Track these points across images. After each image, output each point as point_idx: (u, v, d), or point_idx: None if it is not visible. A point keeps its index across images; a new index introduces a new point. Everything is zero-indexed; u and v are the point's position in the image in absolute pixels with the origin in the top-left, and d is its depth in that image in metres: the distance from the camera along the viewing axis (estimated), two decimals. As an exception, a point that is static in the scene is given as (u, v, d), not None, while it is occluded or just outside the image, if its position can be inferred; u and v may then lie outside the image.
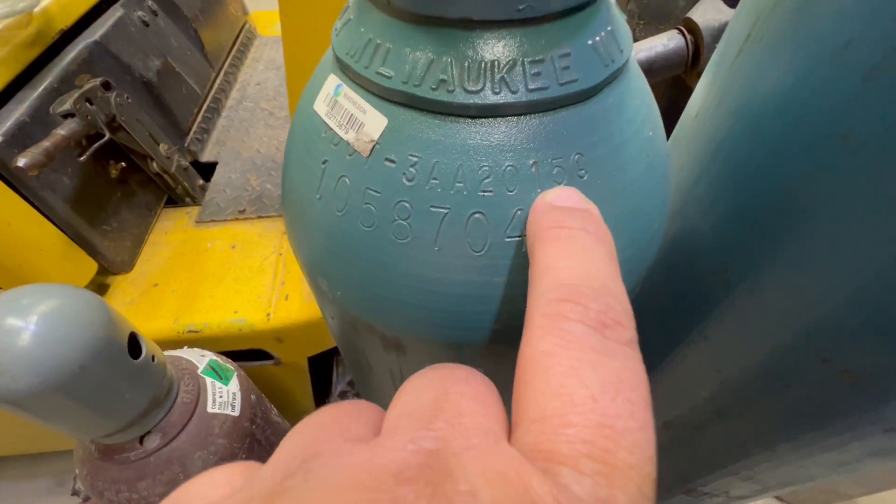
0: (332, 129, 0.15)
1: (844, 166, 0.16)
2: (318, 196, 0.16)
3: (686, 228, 0.25)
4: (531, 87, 0.13)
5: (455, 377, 0.11)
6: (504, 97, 0.13)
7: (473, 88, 0.13)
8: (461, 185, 0.14)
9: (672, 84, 0.60)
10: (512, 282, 0.15)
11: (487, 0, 0.12)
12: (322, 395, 0.85)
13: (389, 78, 0.14)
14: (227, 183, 0.79)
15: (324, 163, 0.16)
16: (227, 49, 1.05)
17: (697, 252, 0.24)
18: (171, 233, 0.73)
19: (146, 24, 0.77)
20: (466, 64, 0.13)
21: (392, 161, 0.14)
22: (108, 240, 0.63)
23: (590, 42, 0.14)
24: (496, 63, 0.13)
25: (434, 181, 0.14)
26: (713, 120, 0.23)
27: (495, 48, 0.13)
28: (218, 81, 0.96)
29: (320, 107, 0.16)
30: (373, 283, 0.16)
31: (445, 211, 0.14)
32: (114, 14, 0.71)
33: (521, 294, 0.15)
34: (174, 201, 0.78)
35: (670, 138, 0.30)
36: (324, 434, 0.10)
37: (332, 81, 0.16)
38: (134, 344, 0.38)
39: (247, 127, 0.90)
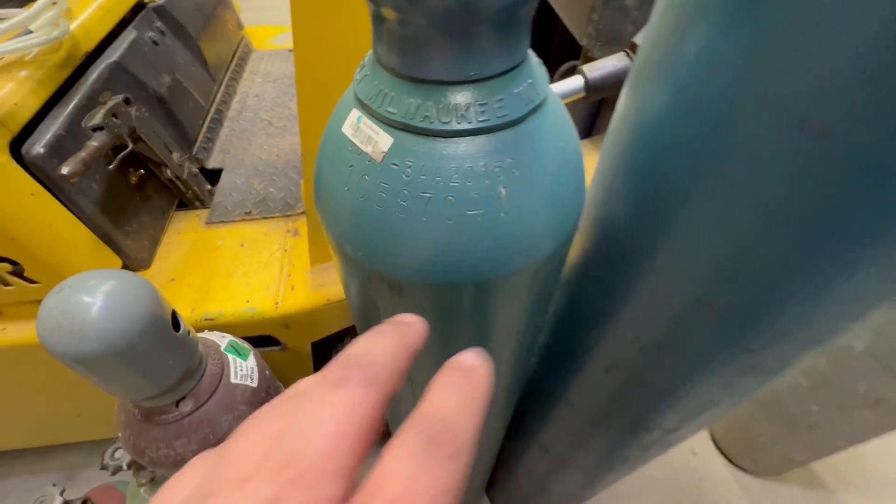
0: (356, 144, 0.24)
1: (685, 169, 0.25)
2: (346, 188, 0.24)
3: (609, 212, 0.34)
4: (480, 119, 0.22)
5: (305, 421, 0.12)
6: (463, 126, 0.22)
7: (445, 120, 0.22)
8: (439, 179, 0.22)
9: (623, 97, 0.69)
10: (471, 240, 0.23)
11: (451, 69, 0.21)
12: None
13: (394, 114, 0.22)
14: (233, 187, 0.87)
15: (350, 166, 0.24)
16: (227, 63, 1.12)
17: (617, 228, 0.33)
18: (184, 233, 0.80)
19: (156, 44, 0.85)
20: (440, 106, 0.21)
21: (396, 164, 0.23)
22: (129, 239, 0.70)
23: (516, 91, 0.22)
24: (458, 105, 0.21)
25: (422, 177, 0.22)
26: (622, 132, 0.32)
27: (457, 97, 0.21)
28: (220, 94, 1.04)
29: (347, 130, 0.24)
30: (383, 245, 0.24)
31: (430, 195, 0.22)
32: (128, 36, 0.78)
33: (479, 248, 0.24)
34: (185, 205, 0.85)
35: (605, 140, 0.39)
36: (217, 477, 0.12)
37: (355, 114, 0.24)
38: (175, 320, 0.46)
39: (248, 136, 0.98)
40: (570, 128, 0.27)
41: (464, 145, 0.22)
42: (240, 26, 1.28)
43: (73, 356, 0.39)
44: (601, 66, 0.60)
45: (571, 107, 0.81)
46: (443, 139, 0.22)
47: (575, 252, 0.41)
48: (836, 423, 0.90)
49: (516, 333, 0.34)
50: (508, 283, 0.26)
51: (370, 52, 0.25)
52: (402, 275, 0.25)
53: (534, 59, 0.25)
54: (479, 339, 0.32)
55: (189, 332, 0.49)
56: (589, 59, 0.72)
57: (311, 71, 0.48)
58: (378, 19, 0.21)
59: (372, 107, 0.23)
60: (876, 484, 1.20)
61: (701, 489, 1.20)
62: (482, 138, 0.22)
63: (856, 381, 0.82)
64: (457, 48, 0.20)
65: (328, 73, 0.48)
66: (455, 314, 0.28)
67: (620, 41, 0.66)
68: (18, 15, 0.59)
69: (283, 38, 1.35)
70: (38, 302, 0.68)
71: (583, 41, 0.71)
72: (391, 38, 0.21)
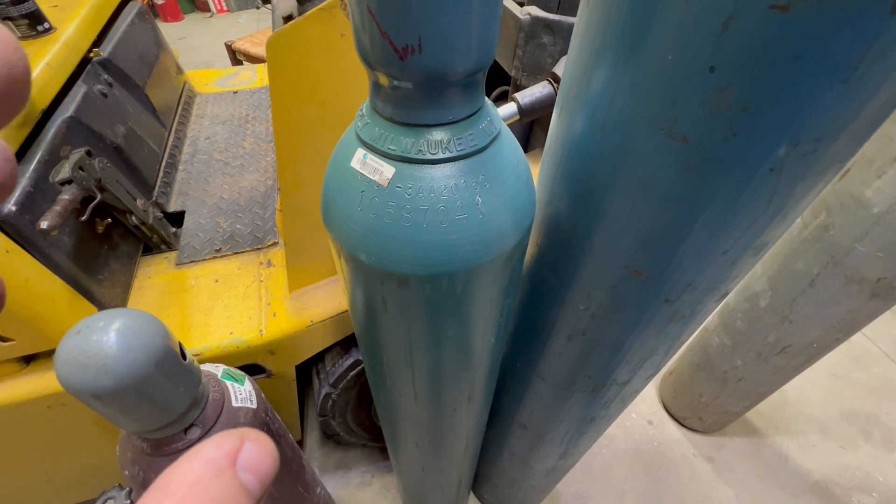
0: (365, 175, 0.31)
1: (604, 173, 0.35)
2: (359, 209, 0.32)
3: (553, 210, 0.44)
4: (458, 149, 0.30)
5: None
6: (447, 155, 0.30)
7: (433, 152, 0.30)
8: (433, 194, 0.30)
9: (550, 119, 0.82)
10: (460, 237, 0.31)
11: (434, 116, 0.29)
12: (305, 403, 0.94)
13: (394, 150, 0.30)
14: (199, 228, 0.89)
15: (361, 192, 0.31)
16: (174, 108, 1.14)
17: (561, 221, 0.43)
18: (154, 276, 0.81)
19: (105, 96, 0.87)
20: (429, 142, 0.30)
21: (399, 187, 0.30)
22: (103, 287, 0.71)
23: (481, 126, 0.31)
24: (441, 141, 0.30)
25: (420, 194, 0.30)
26: (556, 147, 0.42)
27: (440, 135, 0.30)
28: (171, 139, 1.05)
29: (355, 164, 0.32)
30: (393, 249, 0.32)
31: (427, 207, 0.30)
32: (79, 90, 0.80)
33: (466, 243, 0.32)
34: (150, 249, 0.86)
35: (544, 153, 0.49)
36: None
37: (361, 152, 0.32)
38: (181, 351, 0.50)
39: (205, 177, 1.00)
40: (519, 149, 0.36)
41: (448, 168, 0.30)
42: (180, 71, 1.30)
43: (94, 392, 0.42)
44: (530, 94, 0.71)
45: (509, 128, 0.93)
46: (432, 165, 0.30)
47: (531, 246, 0.50)
48: (757, 372, 1.06)
49: (495, 313, 0.42)
50: (488, 269, 0.35)
51: (365, 104, 0.33)
52: (409, 271, 0.33)
53: (489, 101, 0.34)
54: (467, 320, 0.40)
55: (193, 362, 0.52)
56: (518, 86, 0.84)
57: (286, 120, 0.55)
58: (376, 84, 0.29)
59: (375, 146, 0.31)
60: (798, 423, 1.40)
61: (660, 453, 1.33)
62: (461, 163, 0.31)
63: (766, 334, 0.99)
64: (437, 101, 0.29)
65: (301, 120, 0.54)
66: (450, 300, 0.36)
67: (542, 71, 0.79)
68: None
69: (223, 81, 1.38)
70: (12, 361, 0.67)
71: (511, 72, 0.82)
72: (388, 96, 0.29)
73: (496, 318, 0.43)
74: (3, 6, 0.76)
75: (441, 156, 0.30)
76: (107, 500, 0.67)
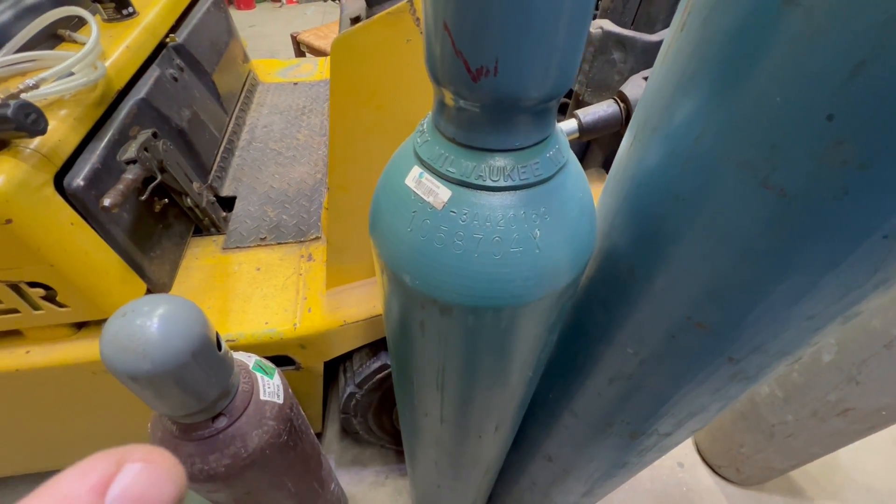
0: (419, 195, 0.30)
1: (677, 216, 0.32)
2: (409, 229, 0.30)
3: (612, 244, 0.40)
4: (521, 178, 0.28)
5: None
6: (508, 183, 0.28)
7: (494, 179, 0.28)
8: (489, 224, 0.28)
9: (613, 138, 0.78)
10: (512, 271, 0.29)
11: (500, 141, 0.27)
12: (329, 396, 0.95)
13: (453, 173, 0.28)
14: (247, 215, 0.91)
15: (413, 212, 0.30)
16: (237, 95, 1.18)
17: (619, 258, 0.40)
18: (201, 258, 0.84)
19: (176, 80, 0.90)
20: (491, 168, 0.28)
21: (454, 212, 0.28)
22: (153, 264, 0.74)
23: (548, 155, 0.29)
24: (504, 167, 0.28)
25: (475, 222, 0.28)
26: (623, 179, 0.38)
27: (503, 161, 0.28)
28: (231, 125, 1.09)
29: (410, 182, 0.30)
30: (440, 275, 0.30)
31: (481, 237, 0.28)
32: (153, 73, 0.84)
33: (518, 278, 0.29)
34: (200, 231, 0.89)
35: (606, 181, 0.46)
36: None
37: (417, 170, 0.30)
38: (217, 341, 0.50)
39: (259, 165, 1.03)
40: (585, 180, 0.33)
41: (509, 198, 0.28)
42: (246, 59, 1.34)
43: (132, 374, 0.43)
44: (593, 112, 0.67)
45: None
46: (492, 193, 0.28)
47: (583, 276, 0.47)
48: (811, 431, 0.97)
49: (538, 348, 0.40)
50: (537, 306, 0.32)
51: (427, 119, 0.31)
52: (454, 300, 0.31)
53: (559, 128, 0.31)
54: (507, 354, 0.37)
55: (228, 353, 0.53)
56: (580, 102, 0.81)
57: (342, 121, 0.54)
58: (441, 102, 0.28)
59: (434, 166, 0.29)
60: (849, 491, 1.27)
61: (688, 499, 1.25)
62: (522, 192, 0.28)
63: (826, 391, 0.90)
64: (504, 127, 0.27)
65: (357, 122, 0.54)
66: (492, 333, 0.34)
67: (608, 88, 0.75)
68: (60, 59, 0.64)
69: (285, 72, 1.42)
70: (65, 326, 0.71)
71: (574, 86, 0.79)
72: (452, 115, 0.27)
73: (537, 353, 0.41)
74: (95, -11, 0.80)
75: (502, 183, 0.28)
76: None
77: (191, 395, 0.48)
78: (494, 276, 0.29)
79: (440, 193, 0.29)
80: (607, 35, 0.70)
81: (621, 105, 0.68)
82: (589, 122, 0.67)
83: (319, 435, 1.29)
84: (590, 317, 0.46)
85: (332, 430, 1.31)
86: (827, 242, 0.26)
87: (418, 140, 0.31)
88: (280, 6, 4.39)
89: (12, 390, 0.72)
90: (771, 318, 0.32)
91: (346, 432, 1.28)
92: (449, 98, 0.26)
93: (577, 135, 0.69)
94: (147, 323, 0.43)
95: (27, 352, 0.69)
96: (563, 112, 1.00)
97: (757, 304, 0.31)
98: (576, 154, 1.02)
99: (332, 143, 0.57)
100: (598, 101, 0.72)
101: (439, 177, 0.29)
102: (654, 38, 0.68)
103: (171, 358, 0.44)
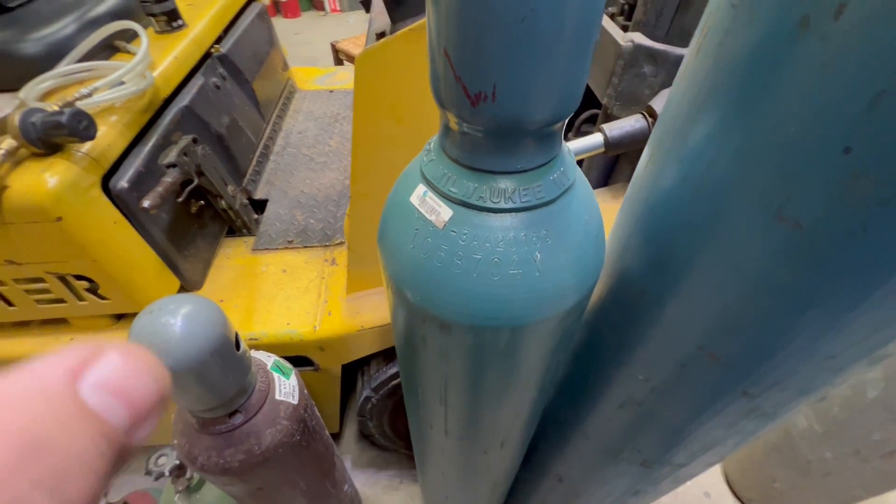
0: (421, 213, 0.30)
1: (689, 243, 0.30)
2: (411, 246, 0.31)
3: (624, 265, 0.39)
4: (522, 200, 0.28)
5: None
6: (509, 205, 0.28)
7: (495, 200, 0.28)
8: (489, 244, 0.28)
9: (641, 153, 0.76)
10: (511, 293, 0.29)
11: (502, 163, 0.27)
12: (347, 402, 0.97)
13: (455, 193, 0.28)
14: (277, 217, 0.95)
15: (416, 229, 0.30)
16: (275, 102, 1.23)
17: (631, 281, 0.38)
18: (232, 258, 0.88)
19: (218, 88, 0.95)
20: (492, 189, 0.28)
21: (454, 231, 0.29)
22: (188, 263, 0.78)
23: (551, 178, 0.28)
24: (506, 189, 0.28)
25: (475, 242, 0.28)
26: (637, 201, 0.37)
27: (505, 183, 0.28)
28: (268, 131, 1.14)
29: (414, 200, 0.31)
30: (439, 293, 0.30)
31: (480, 257, 0.28)
32: (197, 82, 0.89)
33: (517, 299, 0.29)
34: (233, 232, 0.93)
35: (623, 200, 0.44)
36: None
37: (421, 188, 0.31)
38: (237, 341, 0.52)
39: (291, 170, 1.07)
40: (592, 202, 0.33)
41: (509, 220, 0.28)
42: (286, 67, 1.40)
43: (156, 369, 0.45)
44: (619, 126, 0.66)
45: (592, 157, 0.87)
46: (492, 214, 0.28)
47: (594, 296, 0.46)
48: (852, 471, 0.90)
49: (541, 369, 0.39)
50: (538, 328, 0.32)
51: (434, 138, 0.32)
52: (452, 318, 0.31)
53: (566, 149, 0.31)
54: (510, 373, 0.37)
55: (246, 352, 0.55)
56: (609, 116, 0.79)
57: (365, 131, 0.56)
58: (445, 124, 0.28)
59: (437, 185, 0.29)
60: (899, 539, 1.17)
61: (715, 533, 1.18)
62: (523, 214, 0.28)
63: (871, 430, 0.83)
64: (506, 149, 0.27)
65: (379, 133, 0.55)
66: (492, 352, 0.34)
67: (638, 103, 0.73)
68: (113, 69, 0.69)
69: (323, 80, 1.47)
70: (105, 317, 0.76)
71: (603, 99, 0.77)
72: (454, 137, 0.28)
73: (540, 374, 0.40)
74: (148, 4, 0.86)
75: (503, 206, 0.28)
76: (160, 455, 0.73)
77: (209, 392, 0.50)
78: (493, 296, 0.29)
79: (442, 213, 0.29)
80: (638, 48, 0.69)
81: (650, 120, 0.66)
82: (615, 137, 0.65)
83: (338, 436, 1.31)
84: (601, 338, 0.45)
85: (351, 432, 1.33)
86: (846, 280, 0.25)
87: (424, 159, 0.31)
88: (324, 15, 4.54)
89: (57, 374, 0.77)
90: (787, 355, 0.30)
91: (364, 435, 1.30)
92: (452, 121, 0.27)
93: (602, 149, 0.68)
94: (171, 321, 0.45)
95: (71, 339, 0.75)
96: (594, 122, 0.99)
97: (772, 339, 0.30)
98: (603, 168, 1.00)
99: (354, 153, 0.58)
100: (626, 115, 0.70)
101: (442, 196, 0.29)
102: (686, 51, 0.66)
103: (191, 356, 0.46)
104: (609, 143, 0.66)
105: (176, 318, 0.46)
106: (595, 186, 0.97)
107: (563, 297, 0.31)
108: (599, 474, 0.58)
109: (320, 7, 4.60)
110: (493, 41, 0.21)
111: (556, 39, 0.21)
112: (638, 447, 0.48)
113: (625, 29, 0.77)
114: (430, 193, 0.30)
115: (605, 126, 0.66)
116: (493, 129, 0.25)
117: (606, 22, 0.73)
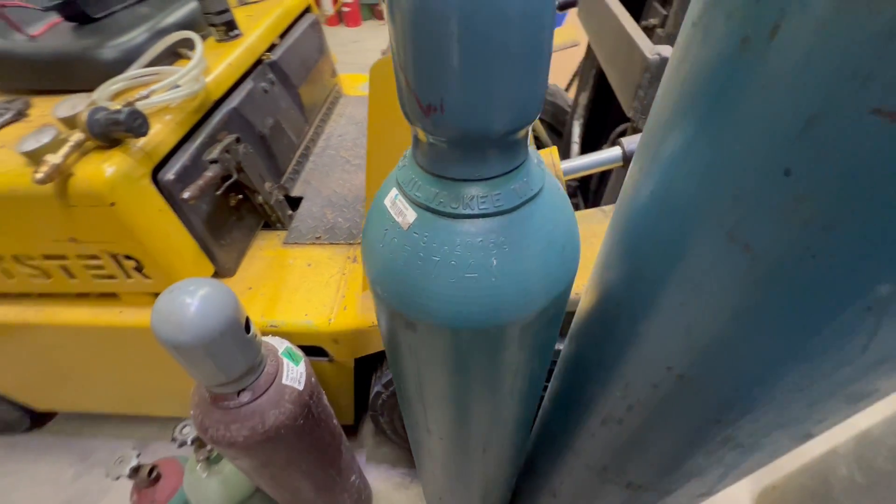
0: (391, 214, 0.32)
1: (656, 260, 0.30)
2: (381, 245, 0.33)
3: (606, 278, 0.39)
4: (481, 207, 0.29)
5: None
6: (467, 211, 0.29)
7: (454, 206, 0.29)
8: (446, 248, 0.30)
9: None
10: (467, 295, 0.30)
11: (463, 171, 0.29)
12: (360, 394, 1.00)
13: (419, 197, 0.30)
14: (309, 214, 1.01)
15: (386, 230, 0.32)
16: (320, 106, 1.30)
17: (611, 294, 0.38)
18: (265, 249, 0.94)
19: (266, 92, 1.03)
20: (452, 196, 0.29)
21: (416, 234, 0.30)
22: (223, 251, 0.85)
23: (512, 187, 0.29)
24: (465, 196, 0.29)
25: (434, 245, 0.30)
26: (619, 214, 0.37)
27: (466, 190, 0.29)
28: (310, 133, 1.21)
29: (387, 202, 0.33)
30: (403, 291, 0.32)
31: (438, 259, 0.30)
32: (246, 86, 0.96)
33: (474, 303, 0.30)
34: (268, 225, 1.00)
35: (613, 212, 0.44)
36: None
37: (394, 192, 0.33)
38: (247, 324, 0.56)
39: (327, 171, 1.13)
40: (562, 213, 0.33)
41: (466, 225, 0.29)
42: (334, 74, 1.48)
43: (172, 344, 0.50)
44: (637, 140, 0.64)
45: (617, 171, 0.85)
46: (451, 219, 0.30)
47: (581, 309, 0.46)
48: (898, 532, 0.81)
49: (509, 375, 0.40)
50: (496, 334, 0.33)
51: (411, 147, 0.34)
52: (415, 316, 0.32)
53: (535, 159, 0.32)
54: (478, 375, 0.38)
55: (256, 336, 0.59)
56: (636, 130, 0.77)
57: (378, 137, 0.59)
58: (415, 135, 0.30)
59: (406, 189, 0.31)
60: None
61: (739, 580, 1.10)
62: (480, 221, 0.29)
63: (920, 488, 0.74)
64: (466, 158, 0.28)
65: (391, 139, 0.58)
66: (455, 353, 0.35)
67: (664, 116, 0.71)
68: (172, 73, 0.77)
69: (366, 86, 1.53)
70: (148, 294, 0.84)
71: (629, 113, 0.76)
72: (423, 146, 0.30)
73: (510, 380, 0.40)
74: (210, 15, 0.96)
75: (461, 211, 0.29)
76: (184, 426, 0.79)
77: (218, 368, 0.55)
78: (449, 297, 0.31)
79: (407, 215, 0.31)
80: (664, 62, 0.67)
81: (671, 135, 0.64)
82: (633, 152, 0.64)
83: (355, 430, 1.36)
84: (583, 351, 0.45)
85: (368, 426, 1.37)
86: (799, 306, 0.24)
87: (400, 164, 0.33)
88: (384, 24, 4.72)
89: (107, 342, 0.87)
90: (753, 382, 0.29)
91: (378, 430, 1.33)
92: (419, 131, 0.29)
93: (620, 163, 0.67)
94: (188, 301, 0.50)
95: (120, 312, 0.83)
96: (623, 134, 0.96)
97: (733, 363, 0.29)
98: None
99: (368, 157, 0.62)
100: (649, 130, 0.68)
101: (408, 200, 0.31)
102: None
103: (203, 333, 0.50)
104: (626, 157, 0.65)
105: (193, 298, 0.51)
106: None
107: (522, 305, 0.32)
108: (589, 492, 0.57)
109: (381, 16, 4.79)
110: (436, 58, 0.23)
111: (496, 57, 0.23)
112: (620, 466, 0.47)
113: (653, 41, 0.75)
114: (400, 197, 0.32)
115: (623, 140, 0.65)
116: (452, 139, 0.27)
117: (634, 33, 0.72)
